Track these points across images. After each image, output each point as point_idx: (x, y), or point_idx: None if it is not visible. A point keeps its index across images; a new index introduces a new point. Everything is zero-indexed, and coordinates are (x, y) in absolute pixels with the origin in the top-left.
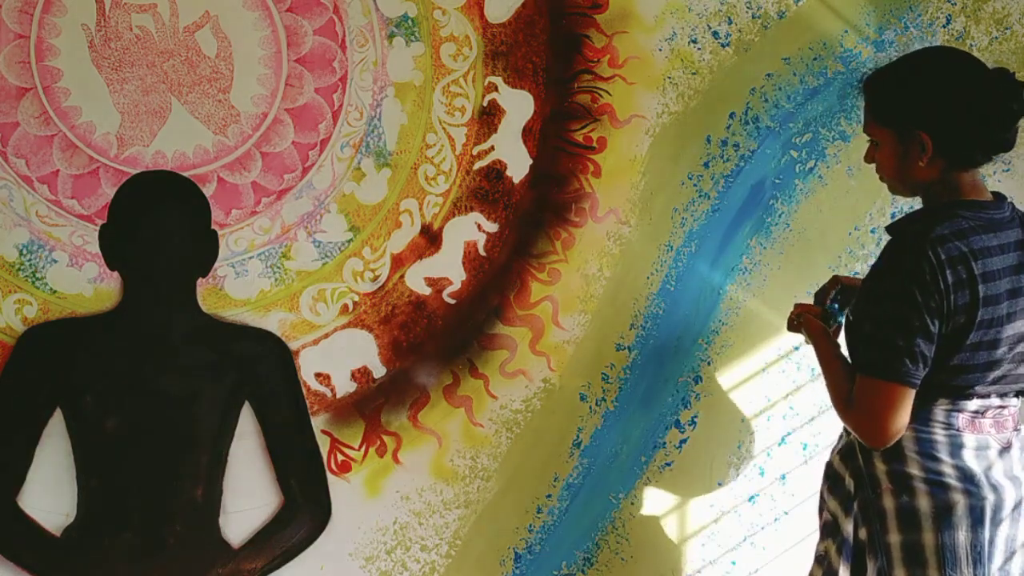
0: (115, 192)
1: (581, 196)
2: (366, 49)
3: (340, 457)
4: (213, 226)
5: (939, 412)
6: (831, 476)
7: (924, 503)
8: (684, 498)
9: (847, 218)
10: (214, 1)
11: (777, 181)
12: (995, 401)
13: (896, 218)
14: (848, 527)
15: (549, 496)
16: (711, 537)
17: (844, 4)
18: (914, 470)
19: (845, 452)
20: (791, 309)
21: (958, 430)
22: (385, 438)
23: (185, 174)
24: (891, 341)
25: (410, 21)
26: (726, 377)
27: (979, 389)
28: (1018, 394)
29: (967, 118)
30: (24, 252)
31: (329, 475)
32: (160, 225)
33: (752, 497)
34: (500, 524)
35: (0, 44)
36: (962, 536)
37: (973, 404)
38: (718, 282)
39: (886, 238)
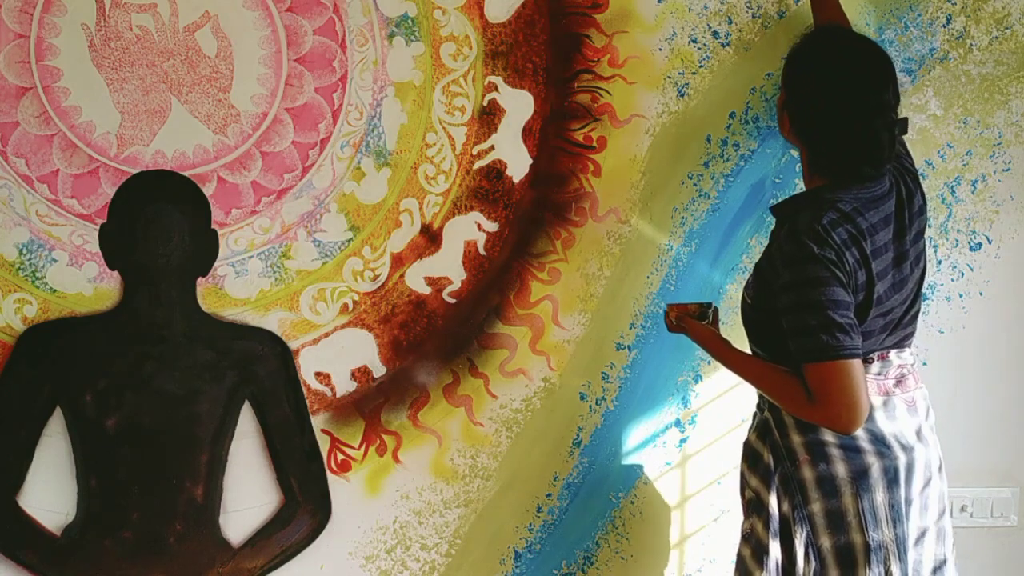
0: (115, 191)
1: (581, 195)
2: (366, 49)
3: (340, 456)
4: (213, 225)
5: None
6: (750, 455)
7: (841, 469)
8: (684, 498)
9: None
10: (214, 1)
11: (777, 180)
12: (895, 360)
13: (780, 200)
14: (772, 501)
15: (549, 495)
16: (711, 536)
17: (844, 4)
18: (829, 437)
19: (761, 429)
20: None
21: None
22: (385, 437)
23: (185, 173)
24: (825, 323)
25: (410, 21)
26: (726, 376)
27: (880, 352)
28: (908, 346)
29: (818, 127)
30: (24, 251)
31: (329, 474)
32: (160, 224)
33: None
34: (500, 523)
35: (0, 44)
36: (879, 497)
37: (875, 366)
38: (718, 281)
39: None
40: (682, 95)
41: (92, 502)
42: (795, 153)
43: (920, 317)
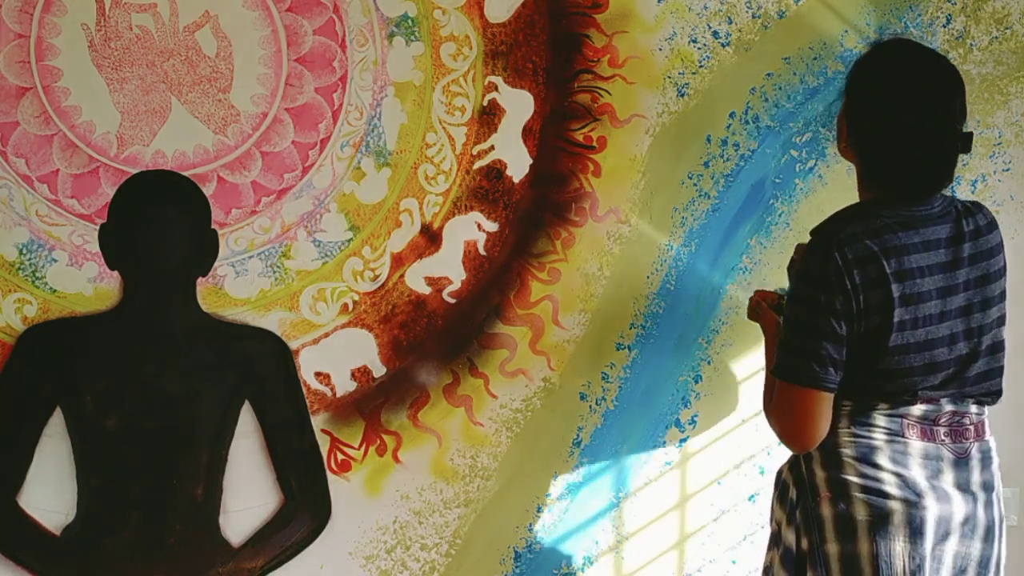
0: (115, 191)
1: (581, 195)
2: (366, 49)
3: (340, 456)
4: (213, 225)
5: (879, 418)
6: (779, 485)
7: (860, 511)
8: (684, 498)
9: None
10: (214, 1)
11: (777, 180)
12: (947, 407)
13: (822, 222)
14: (790, 537)
15: (549, 495)
16: (711, 536)
17: (844, 4)
18: (852, 477)
19: (792, 461)
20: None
21: (903, 436)
22: (385, 437)
23: (185, 173)
24: (799, 345)
25: (410, 21)
26: (726, 376)
27: (923, 394)
28: (979, 401)
29: (875, 143)
30: (24, 251)
31: (329, 474)
32: (160, 224)
33: (752, 496)
34: (500, 523)
35: (0, 43)
36: (899, 546)
37: (918, 410)
38: (718, 281)
39: None
40: (682, 95)
41: (92, 502)
42: (794, 154)
43: None
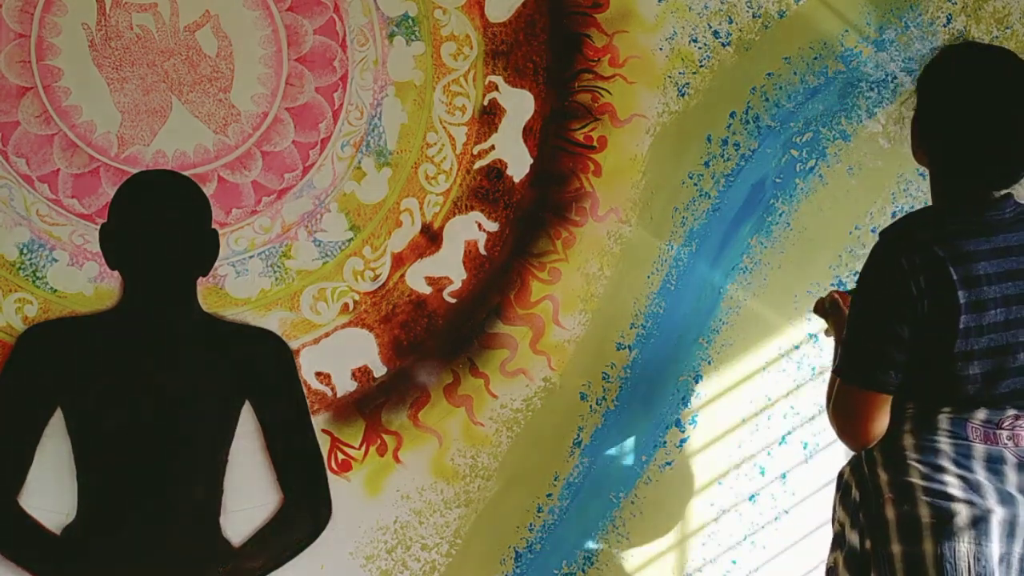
0: (115, 191)
1: (581, 195)
2: (366, 48)
3: (340, 456)
4: (213, 225)
5: (944, 420)
6: (841, 486)
7: (924, 512)
8: (684, 497)
9: (848, 217)
10: (214, 0)
11: (778, 180)
12: (1010, 412)
13: (892, 223)
14: (854, 538)
15: (550, 495)
16: (711, 536)
17: (844, 3)
18: (915, 479)
19: (854, 463)
20: (791, 307)
21: (967, 439)
22: (385, 437)
23: (185, 173)
24: (861, 347)
25: (410, 20)
26: (726, 376)
27: (987, 399)
28: None
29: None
30: (24, 251)
31: (329, 474)
32: (160, 224)
33: (752, 496)
34: (500, 523)
35: (1, 43)
36: (964, 548)
37: (981, 414)
38: (718, 281)
39: None
40: (682, 95)
41: (92, 502)
42: (794, 153)
43: None
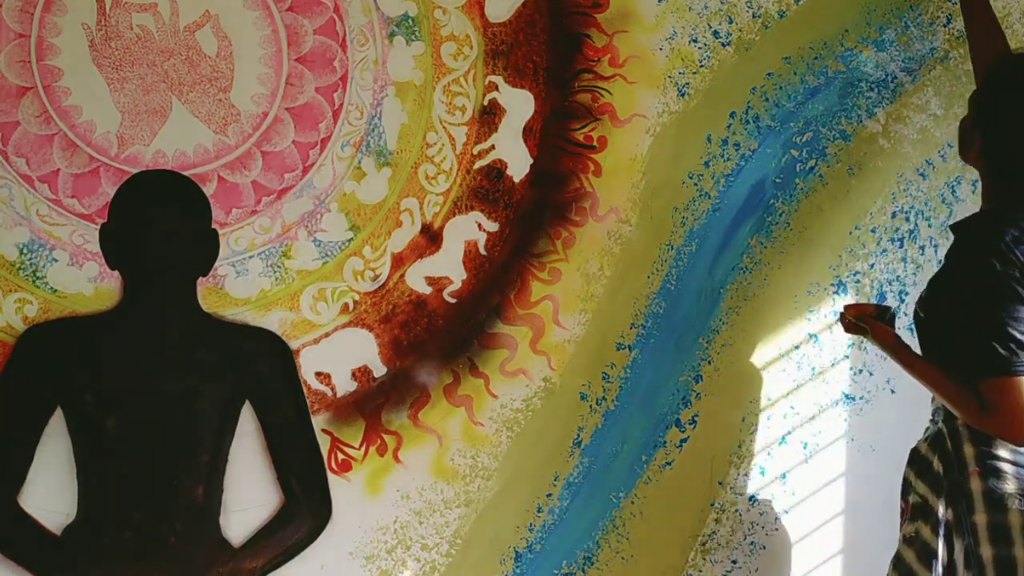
0: (115, 191)
1: (582, 195)
2: (366, 48)
3: (340, 456)
4: (213, 225)
5: None
6: (918, 461)
7: (1011, 485)
8: (684, 497)
9: (848, 217)
10: (214, 0)
11: (778, 180)
12: None
13: (961, 219)
14: (940, 508)
15: (550, 495)
16: (711, 536)
17: (844, 4)
18: (1002, 452)
19: (933, 439)
20: (791, 307)
21: None
22: (385, 437)
23: (185, 173)
24: (1003, 338)
25: (410, 20)
26: (726, 376)
27: None
28: None
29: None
30: (24, 251)
31: (329, 474)
32: (160, 224)
33: (752, 496)
34: (501, 523)
35: (1, 43)
36: None
37: None
38: (718, 281)
39: (886, 237)
40: (682, 95)
41: (92, 502)
42: (794, 153)
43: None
